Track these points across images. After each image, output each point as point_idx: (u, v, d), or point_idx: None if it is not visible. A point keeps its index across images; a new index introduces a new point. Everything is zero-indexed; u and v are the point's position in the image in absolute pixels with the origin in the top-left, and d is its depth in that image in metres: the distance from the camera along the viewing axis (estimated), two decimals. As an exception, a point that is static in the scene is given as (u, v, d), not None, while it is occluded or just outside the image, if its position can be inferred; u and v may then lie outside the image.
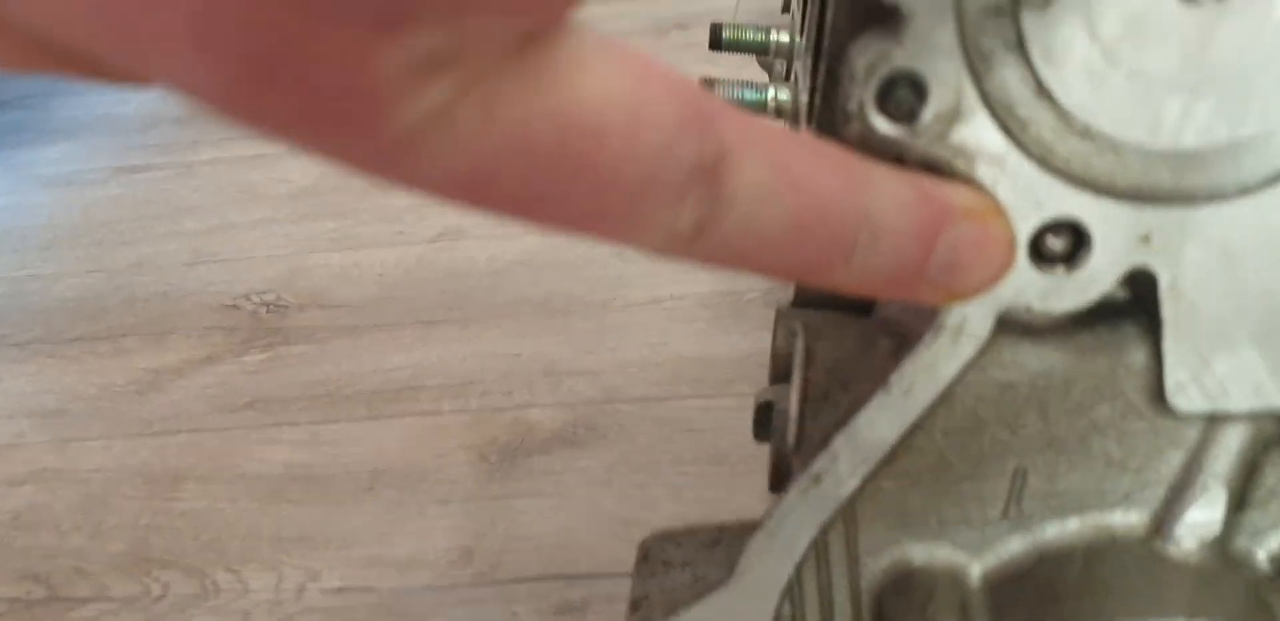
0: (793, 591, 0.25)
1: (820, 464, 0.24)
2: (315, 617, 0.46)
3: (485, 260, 0.75)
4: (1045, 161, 0.21)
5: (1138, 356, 0.23)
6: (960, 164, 0.21)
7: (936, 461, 0.24)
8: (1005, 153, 0.21)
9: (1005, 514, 0.25)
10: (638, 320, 0.66)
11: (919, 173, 0.21)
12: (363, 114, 0.13)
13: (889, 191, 0.19)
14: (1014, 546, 0.25)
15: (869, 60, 0.20)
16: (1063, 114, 0.21)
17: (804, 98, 0.38)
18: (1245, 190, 0.21)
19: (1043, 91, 0.21)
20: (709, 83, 0.43)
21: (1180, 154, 0.21)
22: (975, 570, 0.25)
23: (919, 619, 0.24)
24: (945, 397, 0.24)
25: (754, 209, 0.17)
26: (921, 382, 0.23)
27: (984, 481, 0.25)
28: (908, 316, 0.24)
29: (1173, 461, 0.24)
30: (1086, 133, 0.21)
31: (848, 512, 0.25)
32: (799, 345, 0.26)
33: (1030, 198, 0.21)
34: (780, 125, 0.52)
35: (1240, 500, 0.24)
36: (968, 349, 0.23)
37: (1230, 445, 0.24)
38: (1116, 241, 0.22)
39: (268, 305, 0.75)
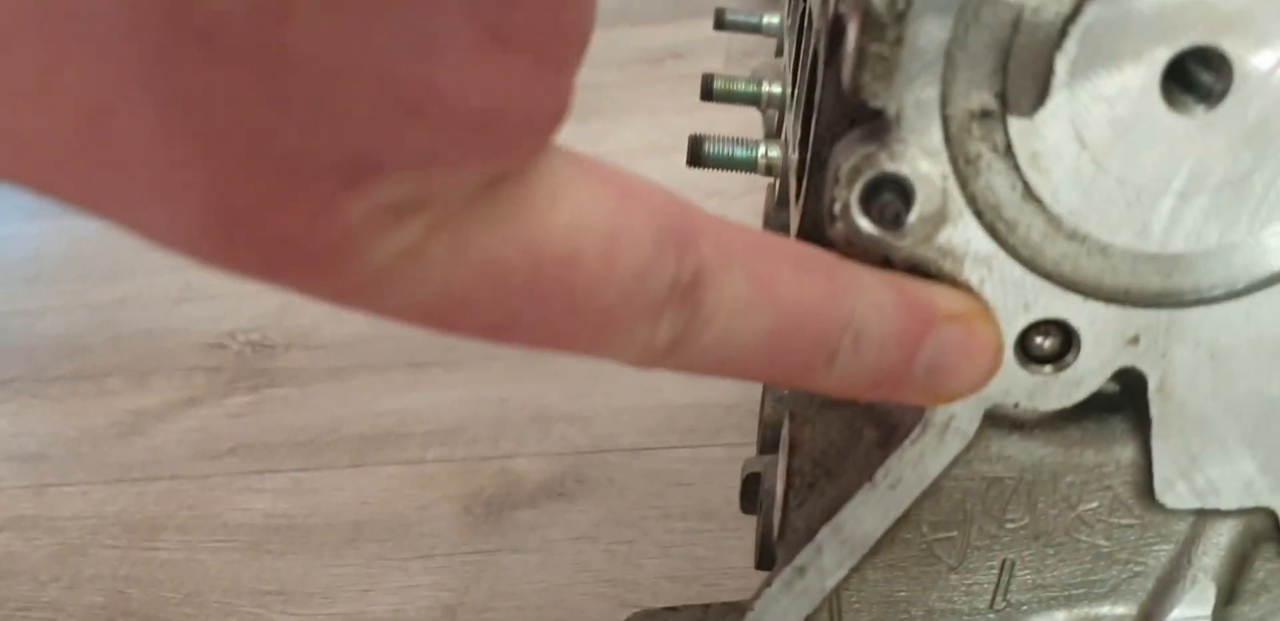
0: (777, 684, 0.25)
1: (805, 556, 0.24)
2: (295, 677, 0.46)
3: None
4: (1033, 263, 0.21)
5: (1126, 452, 0.23)
6: (947, 265, 0.21)
7: (923, 553, 0.24)
8: (992, 254, 0.21)
9: (992, 605, 0.25)
10: (628, 365, 0.66)
11: (903, 274, 0.21)
12: (330, 259, 0.13)
13: (872, 297, 0.19)
14: (1001, 639, 0.25)
15: (853, 164, 0.20)
16: (1051, 217, 0.21)
17: (794, 156, 0.38)
18: (1234, 293, 0.21)
19: (1030, 195, 0.21)
20: (699, 139, 0.43)
21: (1169, 257, 0.21)
22: (962, 663, 0.25)
23: (905, 716, 0.23)
24: (932, 491, 0.24)
25: (732, 322, 0.17)
26: (908, 477, 0.23)
27: (971, 573, 0.24)
28: (895, 406, 0.24)
29: (1161, 555, 0.24)
30: (1075, 235, 0.21)
31: (832, 603, 0.25)
32: (784, 432, 0.25)
33: (1018, 299, 0.21)
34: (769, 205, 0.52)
35: (1230, 594, 0.24)
36: (954, 445, 0.23)
37: (1220, 540, 0.23)
38: (1105, 342, 0.21)
39: (253, 344, 0.74)
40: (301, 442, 0.62)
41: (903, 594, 0.25)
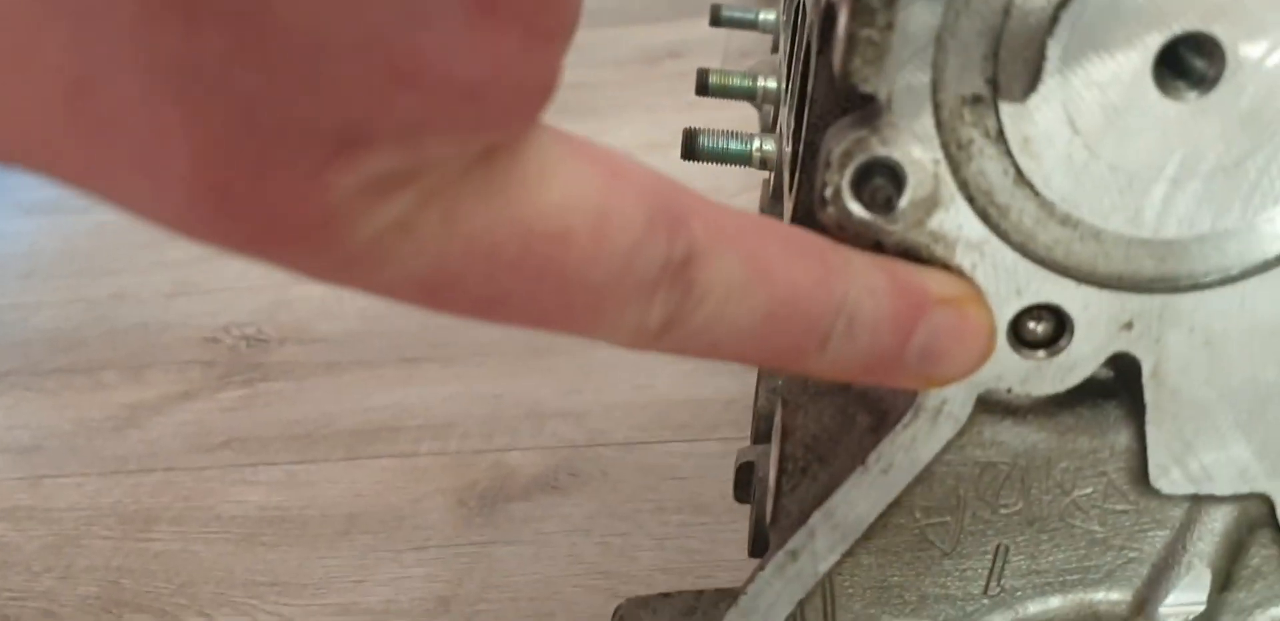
0: (770, 670, 0.25)
1: (797, 540, 0.24)
2: (289, 667, 0.46)
3: (469, 296, 0.75)
4: (1025, 248, 0.21)
5: (1120, 437, 0.23)
6: (939, 250, 0.21)
7: (916, 539, 0.24)
8: (984, 239, 0.21)
9: (986, 591, 0.25)
10: (624, 360, 0.66)
11: (896, 259, 0.21)
12: (320, 232, 0.13)
13: (865, 281, 0.19)
14: (994, 624, 0.25)
15: (845, 147, 0.20)
16: (1043, 203, 0.21)
17: (788, 149, 0.38)
18: (1228, 278, 0.21)
19: (1022, 180, 0.21)
20: (692, 133, 0.43)
21: (1162, 243, 0.21)
22: (954, 649, 0.25)
23: (897, 701, 0.23)
24: (924, 476, 0.24)
25: (725, 304, 0.17)
26: (900, 462, 0.23)
27: (965, 559, 0.24)
28: (887, 391, 0.24)
29: (1156, 541, 0.24)
30: (1068, 221, 0.21)
31: (825, 588, 0.25)
32: (777, 419, 0.25)
33: (1010, 284, 0.21)
34: (766, 189, 0.52)
35: (1225, 580, 0.24)
36: (947, 430, 0.23)
37: (1215, 526, 0.24)
38: (1098, 327, 0.21)
39: (248, 339, 0.74)
40: (295, 436, 0.62)
41: (896, 579, 0.25)
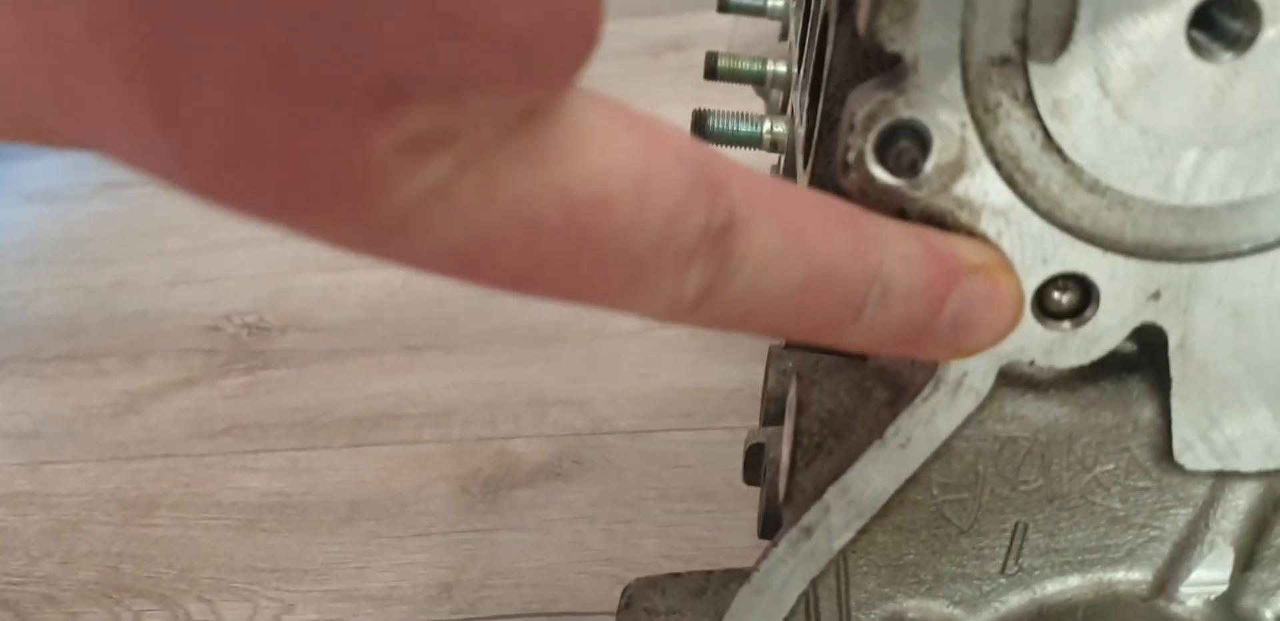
0: (783, 648, 0.24)
1: (812, 516, 0.23)
2: (289, 653, 0.46)
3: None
4: (1052, 215, 0.21)
5: (1144, 412, 0.23)
6: (964, 216, 0.20)
7: (933, 516, 0.24)
8: (1010, 206, 0.20)
9: (1004, 570, 0.24)
10: (628, 349, 0.65)
11: (926, 227, 0.20)
12: (353, 196, 0.13)
13: (899, 249, 0.19)
14: (1012, 603, 0.24)
15: (869, 110, 0.20)
16: (1071, 168, 0.20)
17: (800, 131, 0.38)
18: (1260, 247, 0.21)
19: (1050, 145, 0.20)
20: (702, 114, 0.43)
21: (1193, 210, 0.20)
22: (972, 628, 0.24)
23: (914, 680, 0.23)
24: (943, 451, 0.23)
25: (762, 273, 0.17)
26: (918, 436, 0.23)
27: (982, 537, 0.24)
28: (905, 366, 0.24)
29: (1179, 518, 0.24)
30: (1096, 187, 0.20)
31: (839, 566, 0.24)
32: (791, 393, 0.25)
33: (1036, 252, 0.21)
34: (780, 159, 0.51)
35: (1248, 559, 0.24)
36: (967, 403, 0.22)
37: (1239, 503, 0.23)
38: (1125, 297, 0.21)
39: (249, 327, 0.73)
40: (297, 423, 0.61)
41: (911, 557, 0.24)
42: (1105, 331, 0.21)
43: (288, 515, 0.54)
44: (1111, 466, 0.23)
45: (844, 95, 0.22)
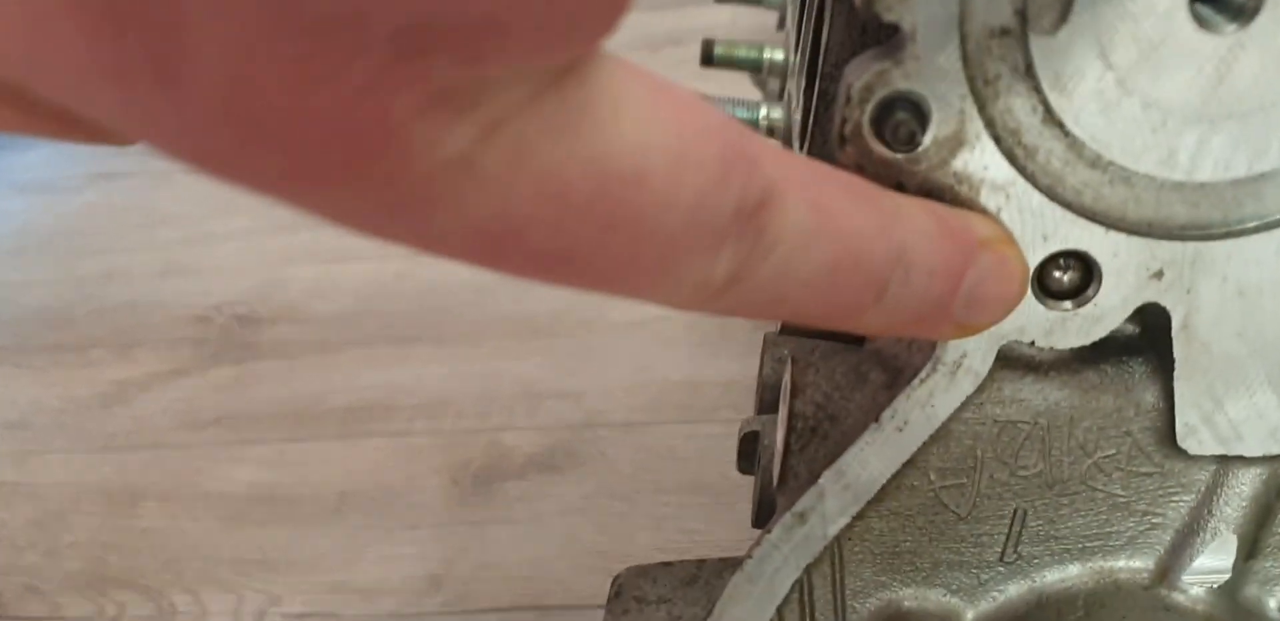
0: (775, 636, 0.24)
1: (806, 501, 0.23)
2: (276, 645, 0.45)
3: (466, 276, 0.74)
4: (1053, 191, 0.20)
5: (1146, 395, 0.22)
6: (963, 191, 0.20)
7: (930, 501, 0.23)
8: (1011, 181, 0.20)
9: (1002, 557, 0.24)
10: (623, 342, 0.65)
11: (937, 202, 0.20)
12: (370, 164, 0.11)
13: (918, 226, 0.18)
14: (1011, 591, 0.24)
15: (866, 81, 0.19)
16: (1073, 143, 0.20)
17: (797, 117, 0.37)
18: (1266, 225, 0.20)
19: (1051, 119, 0.20)
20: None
21: (1196, 186, 0.20)
22: (968, 615, 0.24)
23: (909, 669, 0.22)
24: (940, 435, 0.23)
25: (793, 254, 0.16)
26: (916, 419, 0.22)
27: (980, 523, 0.23)
28: (902, 349, 0.23)
29: (1181, 505, 0.23)
30: (1097, 162, 0.20)
31: (834, 553, 0.24)
32: (786, 377, 0.24)
33: (1037, 229, 0.20)
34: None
35: (1252, 547, 0.23)
36: (966, 385, 0.22)
37: (1242, 489, 0.23)
38: (1127, 276, 0.20)
39: (239, 318, 0.73)
40: (287, 414, 0.60)
41: (908, 544, 0.24)
42: (1107, 311, 0.21)
43: (276, 507, 0.53)
44: (1113, 451, 0.23)
45: (840, 73, 0.22)
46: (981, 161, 0.20)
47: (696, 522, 0.48)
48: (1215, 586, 0.23)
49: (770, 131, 0.42)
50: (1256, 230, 0.20)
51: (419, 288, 0.74)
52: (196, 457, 0.58)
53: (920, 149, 0.20)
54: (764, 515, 0.28)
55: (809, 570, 0.24)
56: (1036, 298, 0.21)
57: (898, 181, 0.20)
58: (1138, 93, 0.19)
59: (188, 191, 0.95)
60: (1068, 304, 0.21)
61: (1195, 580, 0.23)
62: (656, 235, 0.14)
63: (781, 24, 0.61)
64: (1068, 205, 0.20)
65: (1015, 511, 0.23)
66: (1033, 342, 0.21)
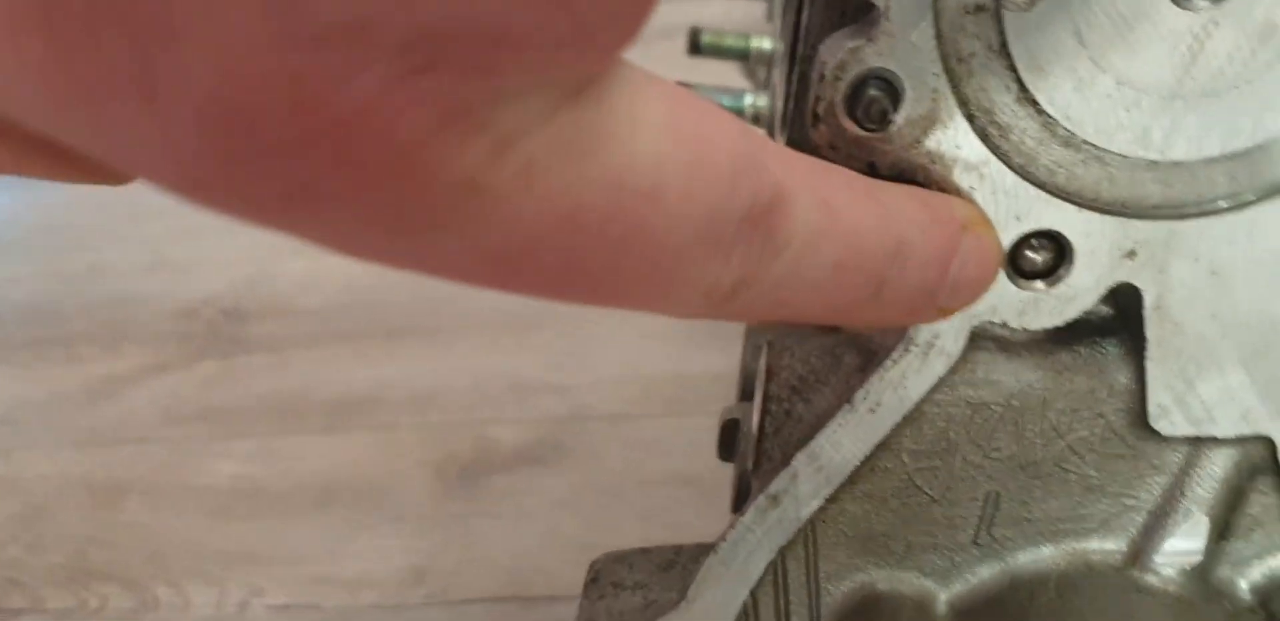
0: (748, 617, 0.24)
1: (779, 484, 0.23)
2: (258, 636, 0.45)
3: (453, 272, 0.74)
4: (1026, 171, 0.20)
5: (1119, 377, 0.22)
6: (936, 171, 0.20)
7: (903, 484, 0.23)
8: (984, 160, 0.20)
9: (975, 540, 0.24)
10: (611, 336, 0.65)
11: (919, 188, 0.20)
12: (374, 188, 0.11)
13: (911, 217, 0.18)
14: (984, 573, 0.24)
15: (839, 59, 0.19)
16: (1046, 121, 0.20)
17: (779, 104, 0.37)
18: (1239, 205, 0.20)
19: (1025, 97, 0.20)
20: (684, 87, 0.42)
21: (1170, 166, 0.20)
22: (942, 596, 0.24)
23: (882, 650, 0.22)
24: (913, 417, 0.22)
25: (801, 256, 0.16)
26: (888, 400, 0.22)
27: (953, 506, 0.23)
28: (876, 332, 0.23)
29: (1154, 487, 0.23)
30: (1071, 141, 0.20)
31: (808, 536, 0.24)
32: (762, 361, 0.24)
33: (1010, 208, 0.20)
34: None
35: (1224, 529, 0.23)
36: (938, 366, 0.22)
37: (1215, 471, 0.23)
38: (1100, 256, 0.20)
39: (226, 312, 0.73)
40: (273, 408, 0.60)
41: (881, 527, 0.24)
42: (1080, 291, 0.21)
43: (260, 500, 0.53)
44: (1086, 433, 0.23)
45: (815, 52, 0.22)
46: (955, 140, 0.20)
47: (683, 515, 0.48)
48: (1188, 568, 0.23)
49: (755, 120, 0.42)
50: (1230, 210, 0.20)
51: (406, 282, 0.73)
52: (181, 452, 0.58)
53: (893, 127, 0.20)
54: (742, 500, 0.28)
55: (783, 553, 0.24)
56: (1009, 278, 0.21)
57: (870, 161, 0.20)
58: (1111, 71, 0.19)
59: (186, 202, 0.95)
60: (1040, 284, 0.21)
61: (1168, 561, 0.23)
62: (669, 250, 0.14)
63: (770, 15, 0.61)
64: (1041, 185, 0.20)
65: (988, 493, 0.23)
66: (1005, 323, 0.21)
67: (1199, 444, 0.22)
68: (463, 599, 0.45)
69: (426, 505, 0.51)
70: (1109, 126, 0.20)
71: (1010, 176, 0.20)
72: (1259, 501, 0.23)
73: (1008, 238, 0.20)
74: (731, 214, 0.14)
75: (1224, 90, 0.19)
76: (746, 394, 0.34)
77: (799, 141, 0.21)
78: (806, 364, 0.24)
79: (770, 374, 0.24)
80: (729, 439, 0.33)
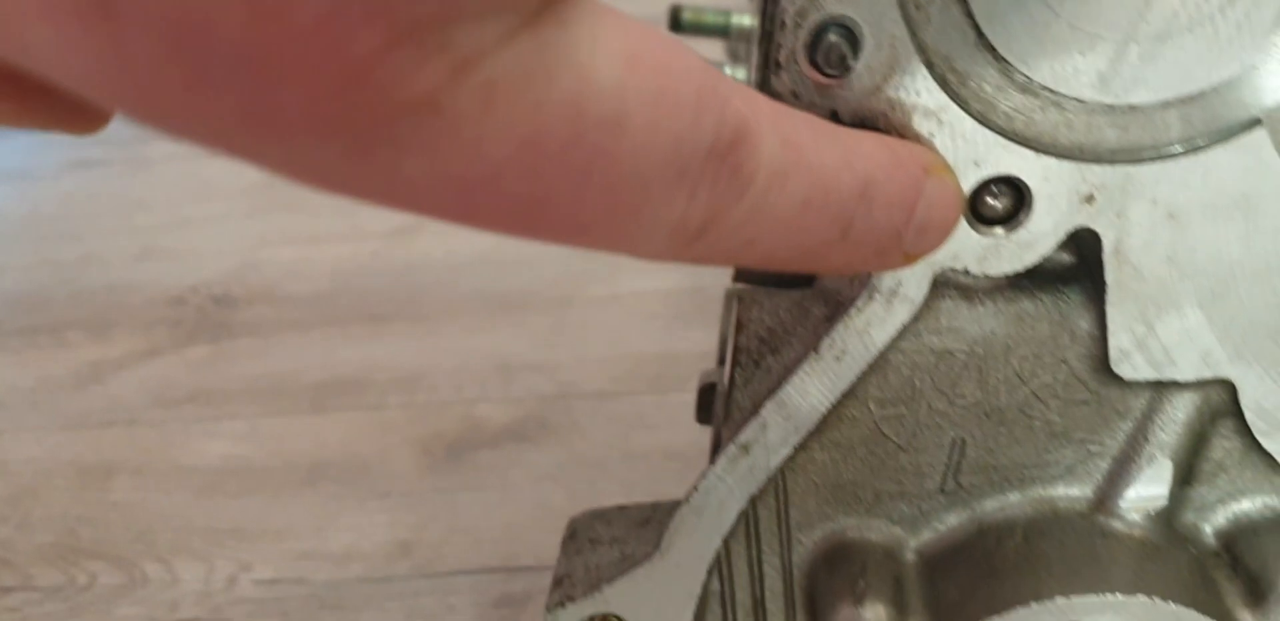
0: (721, 566, 0.24)
1: (749, 433, 0.23)
2: (245, 608, 0.45)
3: (442, 255, 0.74)
4: (985, 117, 0.20)
5: (1081, 323, 0.23)
6: (896, 117, 0.20)
7: (870, 432, 0.24)
8: (943, 107, 0.20)
9: (942, 487, 0.24)
10: (598, 316, 0.65)
11: (880, 133, 0.20)
12: (331, 105, 0.11)
13: (875, 158, 0.18)
14: (951, 520, 0.24)
15: (799, 5, 0.19)
16: (1004, 68, 0.20)
17: (754, 76, 0.38)
18: (1193, 148, 0.20)
19: (983, 43, 0.20)
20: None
21: (1126, 110, 0.20)
22: (911, 544, 0.24)
23: (851, 594, 0.23)
24: (879, 365, 0.23)
25: (766, 192, 0.16)
26: (854, 348, 0.22)
27: (920, 453, 0.24)
28: (843, 283, 0.24)
29: (1118, 432, 0.23)
30: (1028, 87, 0.20)
31: (778, 485, 0.24)
32: (732, 315, 0.25)
33: (969, 154, 0.20)
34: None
35: (1187, 473, 0.23)
36: (902, 313, 0.22)
37: (1177, 415, 0.23)
38: (1059, 200, 0.21)
39: (215, 299, 0.73)
40: (261, 390, 0.60)
41: (850, 475, 0.24)
42: (1039, 236, 0.21)
43: (248, 479, 0.53)
44: (1049, 379, 0.23)
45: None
46: (914, 87, 0.20)
47: (668, 487, 0.48)
48: (1153, 513, 0.23)
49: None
50: (1185, 153, 0.20)
51: (394, 267, 0.73)
52: (170, 433, 0.58)
53: (853, 74, 0.20)
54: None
55: (754, 502, 0.24)
56: (970, 224, 0.21)
57: (832, 109, 0.20)
58: (1066, 15, 0.20)
59: (163, 178, 0.95)
60: (1000, 230, 0.21)
61: (1132, 506, 0.23)
62: (632, 180, 0.14)
63: (751, -2, 0.62)
64: (999, 131, 0.20)
65: (954, 441, 0.23)
66: (967, 270, 0.22)
67: (1161, 389, 0.23)
68: (449, 571, 0.45)
69: (413, 481, 0.52)
70: (1065, 71, 0.20)
71: (969, 122, 0.20)
72: (1221, 445, 0.23)
73: (967, 184, 0.21)
74: (697, 146, 0.14)
75: (1177, 33, 0.20)
76: (725, 357, 0.35)
77: (764, 90, 0.22)
78: (775, 316, 0.24)
79: (740, 326, 0.24)
80: (707, 402, 0.33)
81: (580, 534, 0.27)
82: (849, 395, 0.23)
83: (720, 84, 0.15)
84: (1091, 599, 0.21)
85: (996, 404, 0.23)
